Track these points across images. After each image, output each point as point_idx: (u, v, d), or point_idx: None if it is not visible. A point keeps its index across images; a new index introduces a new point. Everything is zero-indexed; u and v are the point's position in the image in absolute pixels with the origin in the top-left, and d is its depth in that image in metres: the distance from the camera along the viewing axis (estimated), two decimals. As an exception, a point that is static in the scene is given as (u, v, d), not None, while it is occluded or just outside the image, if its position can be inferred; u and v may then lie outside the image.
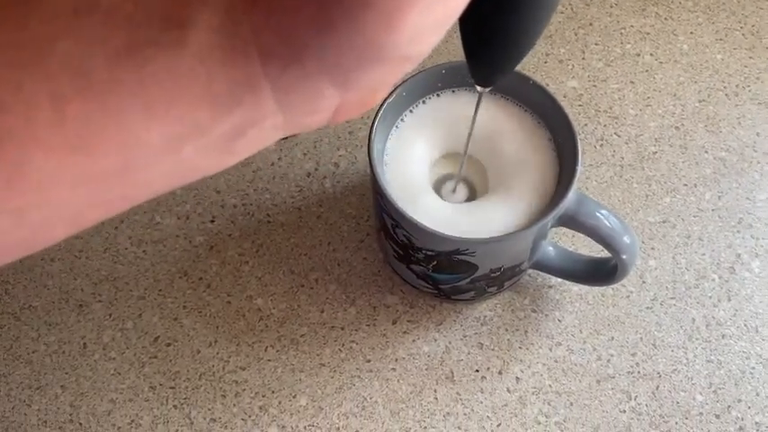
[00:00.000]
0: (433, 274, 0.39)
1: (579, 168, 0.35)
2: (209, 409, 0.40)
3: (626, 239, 0.36)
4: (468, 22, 0.23)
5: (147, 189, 0.17)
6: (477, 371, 0.41)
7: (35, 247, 0.17)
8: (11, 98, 0.14)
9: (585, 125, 0.48)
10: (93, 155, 0.15)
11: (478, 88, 0.30)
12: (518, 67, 0.40)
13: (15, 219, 0.15)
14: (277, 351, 0.42)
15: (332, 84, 0.16)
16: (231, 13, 0.14)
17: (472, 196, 0.39)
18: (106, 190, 0.16)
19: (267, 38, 0.15)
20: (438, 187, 0.39)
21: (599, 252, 0.42)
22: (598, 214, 0.36)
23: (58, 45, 0.14)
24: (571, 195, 0.35)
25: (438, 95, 0.39)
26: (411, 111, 0.39)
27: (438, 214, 0.37)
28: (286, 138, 0.50)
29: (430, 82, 0.39)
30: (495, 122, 0.39)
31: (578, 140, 0.35)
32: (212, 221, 0.45)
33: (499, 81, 0.27)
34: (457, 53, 0.50)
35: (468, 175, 0.39)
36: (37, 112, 0.14)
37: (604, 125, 0.48)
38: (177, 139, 0.16)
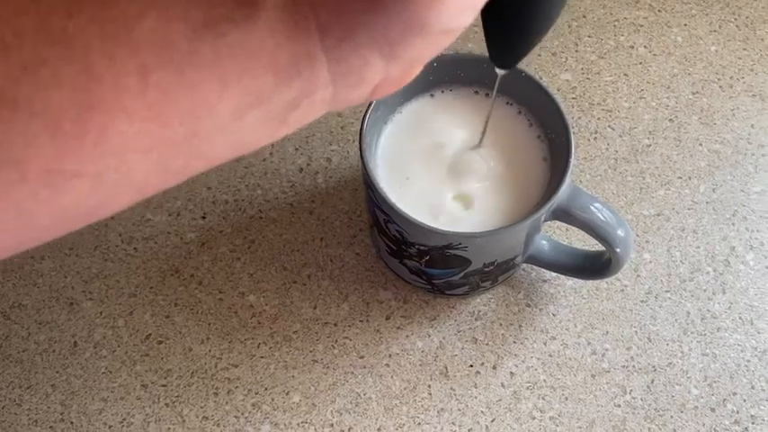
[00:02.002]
0: (426, 269, 0.38)
1: (572, 161, 0.34)
2: (202, 407, 0.40)
3: (620, 233, 0.36)
4: (488, 6, 0.23)
5: (207, 158, 0.18)
6: (472, 366, 0.41)
7: (99, 215, 0.17)
8: (103, 68, 0.15)
9: (579, 118, 0.48)
10: (167, 121, 0.16)
11: (498, 70, 0.29)
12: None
13: (93, 183, 0.16)
14: (270, 348, 0.41)
15: (379, 55, 0.17)
16: None
17: (477, 169, 0.38)
18: (173, 157, 0.17)
19: (324, 14, 0.16)
20: (443, 161, 0.38)
21: (593, 246, 0.42)
22: (592, 207, 0.36)
23: (144, 21, 0.15)
24: (564, 189, 0.34)
25: (429, 90, 0.39)
26: (403, 105, 0.39)
27: (431, 209, 0.36)
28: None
29: (422, 76, 0.38)
30: (491, 118, 0.38)
31: (571, 132, 0.35)
32: (204, 218, 0.45)
33: (518, 63, 0.28)
34: (450, 46, 0.50)
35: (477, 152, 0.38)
36: (125, 82, 0.15)
37: (598, 118, 0.48)
38: (243, 107, 0.17)
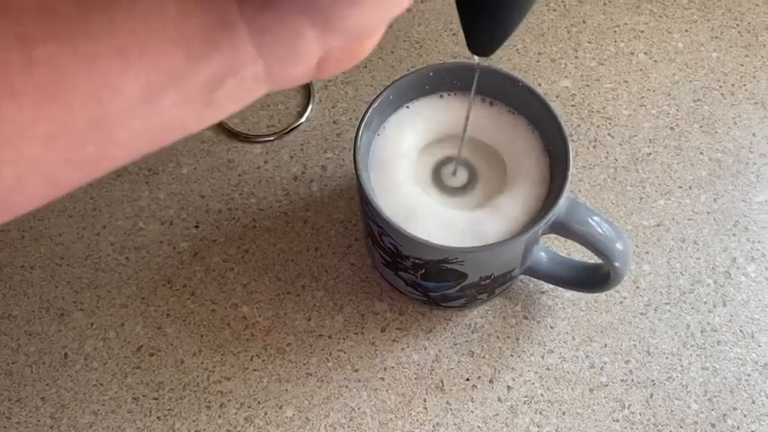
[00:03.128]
0: (422, 282, 0.38)
1: (570, 175, 0.34)
2: (194, 421, 0.39)
3: (619, 246, 0.35)
4: None
5: (125, 147, 0.16)
6: (468, 380, 0.40)
7: (13, 210, 0.16)
8: None
9: (578, 126, 0.47)
10: (65, 105, 0.14)
11: (476, 58, 0.28)
12: (510, 67, 0.39)
13: None
14: (263, 360, 0.41)
15: (311, 25, 0.15)
16: None
17: (473, 178, 0.37)
18: (81, 146, 0.15)
19: None
20: (438, 171, 0.38)
21: (592, 257, 0.41)
22: (590, 221, 0.35)
23: None
24: (562, 203, 0.34)
25: (425, 98, 0.38)
26: (397, 113, 0.38)
27: (427, 220, 0.36)
28: (272, 139, 0.48)
29: (417, 85, 0.38)
30: (486, 127, 0.38)
31: (570, 146, 0.34)
32: (197, 227, 0.44)
33: (496, 49, 0.26)
34: (447, 52, 0.49)
35: (468, 159, 0.38)
36: (5, 57, 0.13)
37: (597, 126, 0.47)
38: (153, 88, 0.15)
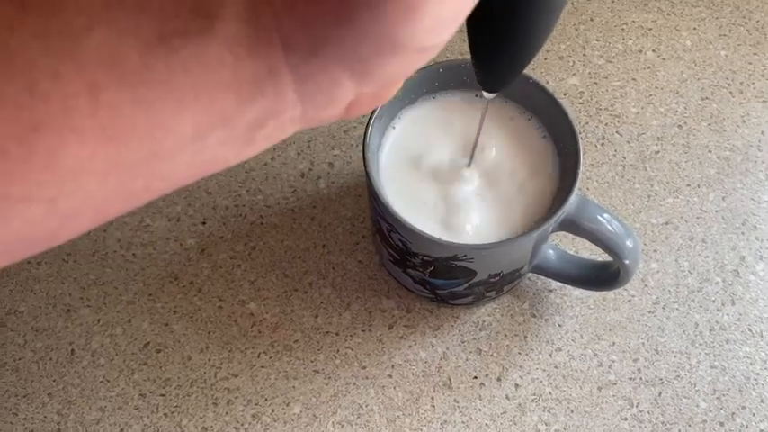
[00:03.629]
0: (431, 280, 0.38)
1: (580, 173, 0.34)
2: (201, 418, 0.39)
3: (629, 243, 0.35)
4: (475, 25, 0.23)
5: (169, 180, 0.17)
6: (476, 377, 0.40)
7: (59, 239, 0.17)
8: (49, 86, 0.14)
9: (586, 124, 0.47)
10: (122, 143, 0.15)
11: (485, 95, 0.29)
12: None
13: (47, 208, 0.15)
14: (270, 357, 0.40)
15: (350, 74, 0.16)
16: (255, 4, 0.15)
17: (480, 191, 0.37)
18: (132, 180, 0.16)
19: (289, 28, 0.15)
20: (448, 173, 0.37)
21: (600, 255, 0.41)
22: (600, 218, 0.35)
23: (93, 34, 0.14)
24: (572, 200, 0.33)
25: (434, 95, 0.38)
26: (407, 110, 0.38)
27: (435, 218, 0.36)
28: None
29: (427, 81, 0.37)
30: (496, 124, 0.38)
31: (580, 144, 0.34)
32: (203, 223, 0.44)
33: (506, 86, 0.27)
34: (456, 49, 0.49)
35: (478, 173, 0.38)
36: (73, 101, 0.14)
37: (605, 124, 0.47)
38: (204, 128, 0.16)
